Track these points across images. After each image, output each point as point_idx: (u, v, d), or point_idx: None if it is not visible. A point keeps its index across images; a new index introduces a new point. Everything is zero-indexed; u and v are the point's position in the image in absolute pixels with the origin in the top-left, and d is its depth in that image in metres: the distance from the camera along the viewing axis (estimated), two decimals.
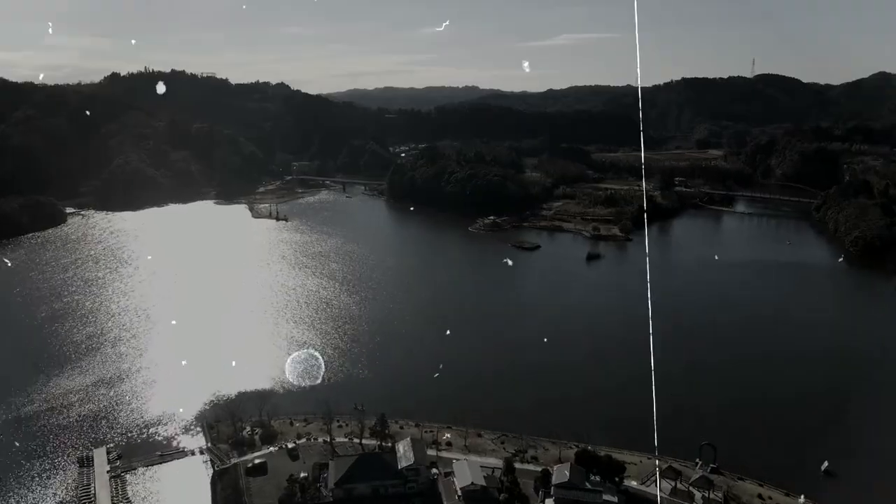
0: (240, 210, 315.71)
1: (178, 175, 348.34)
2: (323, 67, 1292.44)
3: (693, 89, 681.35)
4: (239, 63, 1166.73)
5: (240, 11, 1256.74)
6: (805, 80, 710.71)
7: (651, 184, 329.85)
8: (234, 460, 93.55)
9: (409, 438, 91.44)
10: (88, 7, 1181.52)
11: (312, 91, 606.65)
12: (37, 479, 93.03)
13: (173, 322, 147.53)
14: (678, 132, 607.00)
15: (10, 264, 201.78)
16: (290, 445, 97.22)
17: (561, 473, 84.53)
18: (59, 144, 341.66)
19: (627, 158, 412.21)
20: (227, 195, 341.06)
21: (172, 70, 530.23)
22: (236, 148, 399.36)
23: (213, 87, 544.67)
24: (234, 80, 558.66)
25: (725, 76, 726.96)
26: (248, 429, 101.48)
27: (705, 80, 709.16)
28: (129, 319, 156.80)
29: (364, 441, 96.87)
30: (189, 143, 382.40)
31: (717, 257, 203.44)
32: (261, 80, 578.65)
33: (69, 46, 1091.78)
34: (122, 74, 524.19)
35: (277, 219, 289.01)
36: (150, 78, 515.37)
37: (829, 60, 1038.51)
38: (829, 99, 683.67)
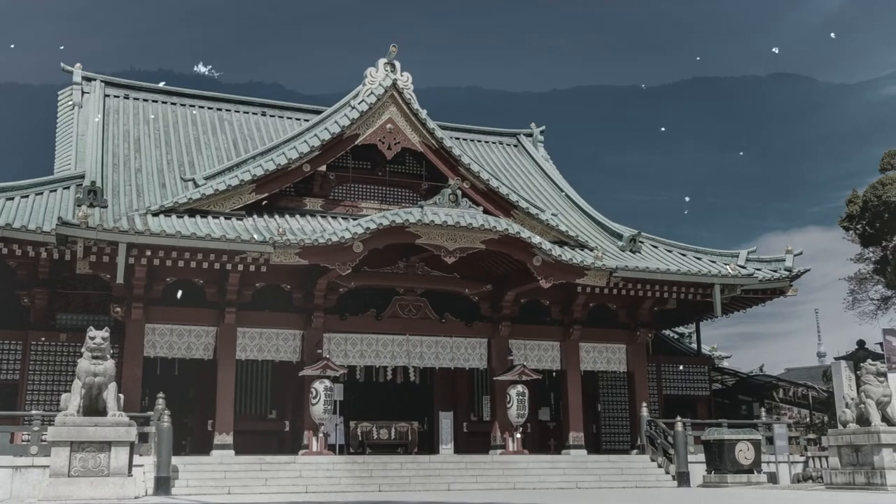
0: None
1: None
2: (323, 68, 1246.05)
3: (704, 89, 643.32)
4: (239, 63, 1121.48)
5: (242, 12, 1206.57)
6: (820, 80, 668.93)
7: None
8: None
9: None
10: (91, 7, 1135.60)
11: (313, 92, 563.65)
12: None
13: None
14: (691, 134, 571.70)
15: None
16: None
17: None
18: None
19: (643, 163, 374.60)
20: None
21: (159, 69, 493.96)
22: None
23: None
24: (225, 81, 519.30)
25: (738, 75, 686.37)
26: None
27: (717, 79, 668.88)
28: None
29: None
30: None
31: None
32: (254, 81, 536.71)
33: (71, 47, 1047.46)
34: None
35: None
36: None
37: (841, 58, 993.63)
38: (845, 98, 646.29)
